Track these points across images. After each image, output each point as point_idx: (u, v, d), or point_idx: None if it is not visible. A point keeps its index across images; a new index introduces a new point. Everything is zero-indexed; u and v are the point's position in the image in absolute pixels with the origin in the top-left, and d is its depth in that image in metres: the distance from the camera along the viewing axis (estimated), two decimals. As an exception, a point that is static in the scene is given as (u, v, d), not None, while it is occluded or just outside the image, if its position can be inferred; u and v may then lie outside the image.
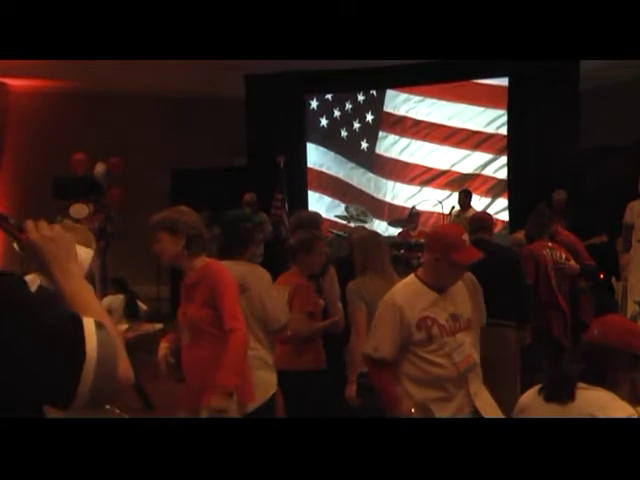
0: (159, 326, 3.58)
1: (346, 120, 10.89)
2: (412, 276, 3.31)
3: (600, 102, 9.94)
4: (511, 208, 10.00)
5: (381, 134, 10.75)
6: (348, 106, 10.88)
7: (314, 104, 11.02)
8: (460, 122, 10.44)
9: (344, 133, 10.91)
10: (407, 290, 3.26)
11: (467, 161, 10.42)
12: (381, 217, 10.52)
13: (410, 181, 10.65)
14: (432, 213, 10.06)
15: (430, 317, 3.16)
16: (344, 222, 9.30)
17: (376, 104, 10.79)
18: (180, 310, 3.41)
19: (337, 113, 10.93)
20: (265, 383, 3.64)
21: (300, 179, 10.82)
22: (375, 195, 10.81)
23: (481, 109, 10.31)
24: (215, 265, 3.37)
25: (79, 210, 9.91)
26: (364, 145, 10.82)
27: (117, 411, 3.43)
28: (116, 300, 6.45)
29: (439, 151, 10.53)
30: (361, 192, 10.85)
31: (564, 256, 5.52)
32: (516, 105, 9.99)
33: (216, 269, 3.33)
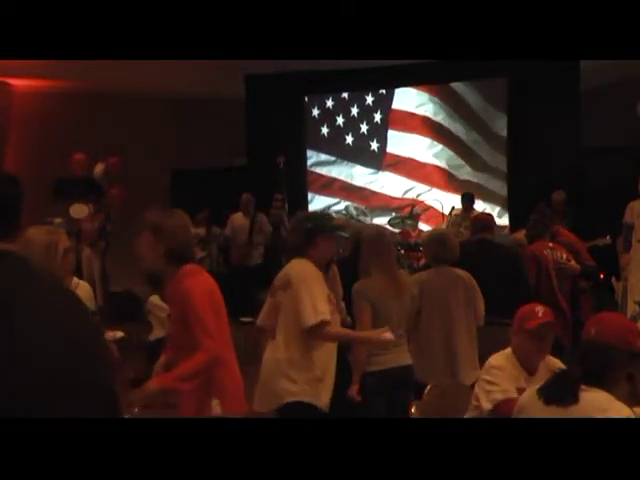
0: (120, 334, 3.58)
1: (352, 125, 10.89)
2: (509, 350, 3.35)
3: (600, 102, 9.94)
4: (511, 208, 10.00)
5: (390, 132, 10.76)
6: (354, 110, 10.87)
7: (315, 112, 11.02)
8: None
9: (350, 138, 10.90)
10: (502, 361, 3.31)
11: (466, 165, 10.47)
12: (387, 213, 10.53)
13: (420, 179, 10.65)
14: (432, 213, 10.08)
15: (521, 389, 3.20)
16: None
17: (385, 103, 10.81)
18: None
19: (340, 120, 10.93)
20: (280, 390, 3.61)
21: (300, 179, 10.83)
22: (383, 192, 10.82)
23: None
24: (188, 278, 3.18)
25: (79, 210, 9.93)
26: (374, 146, 10.82)
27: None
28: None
29: (442, 151, 10.57)
30: (369, 191, 10.86)
31: (565, 256, 5.53)
32: (516, 105, 9.99)
33: (188, 283, 3.15)
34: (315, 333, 3.56)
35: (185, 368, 3.08)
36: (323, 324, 3.54)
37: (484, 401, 3.18)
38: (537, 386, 2.54)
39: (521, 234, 6.62)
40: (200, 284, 3.18)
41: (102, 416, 1.30)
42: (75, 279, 4.28)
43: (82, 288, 4.27)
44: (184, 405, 3.18)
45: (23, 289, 1.31)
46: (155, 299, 6.31)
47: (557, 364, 3.35)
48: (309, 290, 3.57)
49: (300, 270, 3.66)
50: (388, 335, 3.71)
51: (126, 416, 3.31)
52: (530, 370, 3.28)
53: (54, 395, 1.25)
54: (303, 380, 3.61)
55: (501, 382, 3.20)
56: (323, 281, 3.72)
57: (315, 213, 3.92)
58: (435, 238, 4.76)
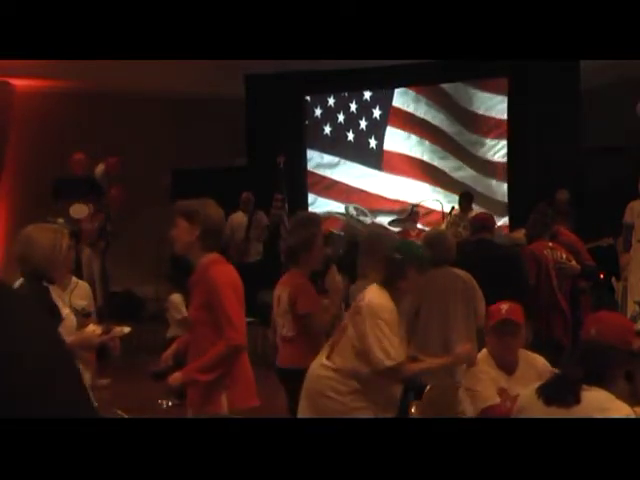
0: (127, 329, 3.62)
1: (352, 121, 10.88)
2: (485, 351, 3.42)
3: (600, 102, 9.93)
4: (511, 208, 10.00)
5: (389, 129, 10.76)
6: (354, 107, 10.87)
7: (318, 112, 11.02)
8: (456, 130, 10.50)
9: (351, 135, 10.91)
10: (479, 364, 3.39)
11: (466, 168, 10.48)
12: (388, 214, 10.52)
13: (417, 177, 10.65)
14: (432, 212, 10.08)
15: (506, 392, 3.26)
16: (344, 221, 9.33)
17: (384, 99, 10.81)
18: (189, 307, 3.47)
19: (341, 117, 10.93)
20: (334, 411, 3.42)
21: (300, 179, 10.83)
22: (384, 194, 10.81)
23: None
24: (215, 266, 3.30)
25: (79, 210, 9.93)
26: (373, 143, 10.82)
27: (118, 412, 3.45)
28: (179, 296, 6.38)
29: (441, 152, 10.57)
30: (367, 192, 10.86)
31: (564, 256, 5.52)
32: (516, 105, 9.99)
33: (215, 271, 3.26)
34: (386, 375, 3.36)
35: (207, 359, 3.18)
36: (396, 367, 3.34)
37: (468, 409, 3.22)
38: (535, 386, 2.54)
39: (520, 233, 6.62)
40: (227, 274, 3.31)
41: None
42: (74, 279, 4.28)
43: (81, 288, 4.27)
44: (196, 396, 3.27)
45: None
46: (175, 298, 6.31)
47: (537, 360, 3.39)
48: (381, 329, 3.33)
49: (376, 304, 3.40)
50: (465, 350, 3.49)
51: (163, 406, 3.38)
52: (508, 369, 3.32)
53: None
54: (360, 405, 3.42)
55: (482, 388, 3.22)
56: (398, 318, 3.45)
57: (405, 241, 3.47)
58: (432, 238, 4.76)
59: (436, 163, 10.59)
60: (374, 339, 3.32)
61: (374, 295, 3.45)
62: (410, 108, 10.69)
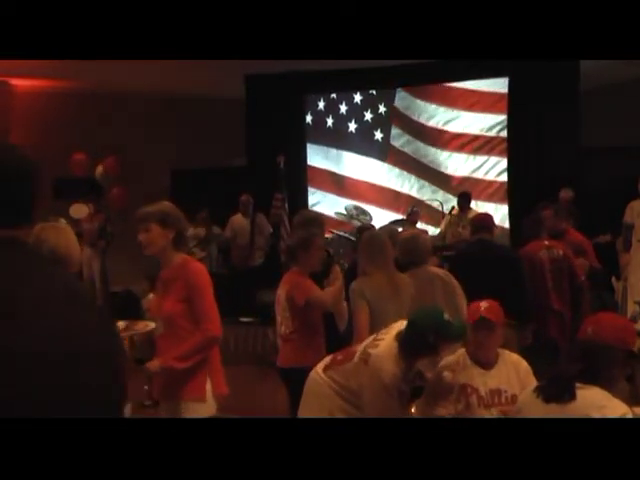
0: (152, 325, 3.66)
1: (355, 112, 10.89)
2: (463, 351, 3.48)
3: (600, 102, 9.94)
4: (511, 209, 10.00)
5: (393, 127, 10.79)
6: (358, 98, 10.88)
7: (321, 105, 11.03)
8: (460, 127, 10.49)
9: (353, 126, 10.91)
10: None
11: (468, 165, 10.45)
12: (395, 209, 10.51)
13: (420, 174, 10.66)
14: (432, 213, 10.08)
15: (471, 386, 3.35)
16: (345, 221, 9.33)
17: (388, 98, 10.84)
18: (153, 302, 3.57)
19: (344, 108, 10.93)
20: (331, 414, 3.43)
21: (300, 179, 10.84)
22: (389, 186, 10.82)
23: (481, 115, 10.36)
24: (192, 264, 3.48)
25: (79, 210, 9.94)
26: (378, 135, 10.83)
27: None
28: None
29: (442, 153, 10.59)
30: (372, 185, 10.86)
31: (562, 253, 5.49)
32: (516, 105, 9.99)
33: (193, 268, 3.44)
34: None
35: (185, 349, 3.35)
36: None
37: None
38: (533, 386, 2.57)
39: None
40: (204, 272, 3.46)
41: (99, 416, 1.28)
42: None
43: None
44: (182, 383, 3.38)
45: (24, 282, 1.20)
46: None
47: (513, 357, 3.44)
48: (379, 395, 3.19)
49: (383, 367, 3.22)
50: (446, 376, 3.31)
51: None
52: (483, 365, 3.40)
53: (50, 396, 1.23)
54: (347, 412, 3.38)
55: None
56: (402, 377, 3.23)
57: (442, 321, 3.23)
58: (407, 242, 4.74)
59: (435, 165, 10.60)
60: (369, 400, 3.22)
61: (384, 353, 3.25)
62: (409, 112, 10.71)
